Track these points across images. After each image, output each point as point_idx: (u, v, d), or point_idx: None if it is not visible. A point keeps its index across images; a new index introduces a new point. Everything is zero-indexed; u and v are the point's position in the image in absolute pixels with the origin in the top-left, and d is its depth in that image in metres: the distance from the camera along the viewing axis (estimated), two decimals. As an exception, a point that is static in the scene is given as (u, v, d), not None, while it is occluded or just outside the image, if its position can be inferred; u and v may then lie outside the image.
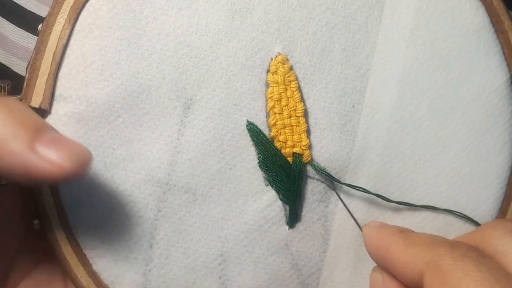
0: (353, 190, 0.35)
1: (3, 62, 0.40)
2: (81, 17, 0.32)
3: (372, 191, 0.35)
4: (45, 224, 0.33)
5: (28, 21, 0.41)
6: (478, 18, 0.35)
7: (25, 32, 0.41)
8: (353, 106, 0.35)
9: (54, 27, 0.32)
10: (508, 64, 0.36)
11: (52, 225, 0.33)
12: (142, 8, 0.33)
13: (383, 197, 0.35)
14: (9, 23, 0.40)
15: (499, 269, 0.26)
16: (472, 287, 0.25)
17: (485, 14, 0.36)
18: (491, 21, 0.36)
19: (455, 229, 0.36)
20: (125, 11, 0.33)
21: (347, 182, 0.35)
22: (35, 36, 0.37)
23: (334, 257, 0.36)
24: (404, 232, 0.32)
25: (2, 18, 0.40)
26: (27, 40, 0.42)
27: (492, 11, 0.36)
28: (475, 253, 0.28)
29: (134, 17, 0.33)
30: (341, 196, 0.35)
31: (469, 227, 0.36)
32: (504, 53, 0.36)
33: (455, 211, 0.36)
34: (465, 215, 0.36)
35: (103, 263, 0.34)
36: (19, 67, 0.42)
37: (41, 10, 0.42)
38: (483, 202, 0.36)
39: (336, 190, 0.35)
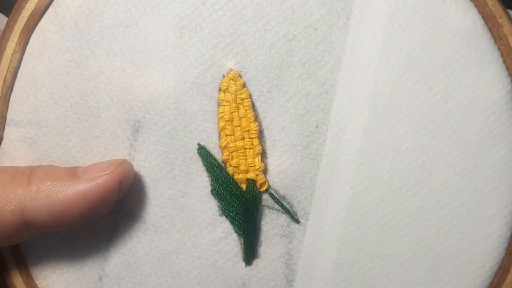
0: (320, 223, 0.31)
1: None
2: (31, 40, 0.32)
3: (345, 225, 0.31)
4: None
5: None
6: (467, 21, 0.30)
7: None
8: (317, 126, 0.31)
9: (5, 51, 0.32)
10: (510, 74, 0.30)
11: (3, 253, 0.32)
12: (90, 28, 0.31)
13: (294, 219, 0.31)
14: (7, 18, 0.40)
15: None
16: None
17: (477, 16, 0.30)
18: (486, 24, 0.30)
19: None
20: (73, 32, 0.32)
21: (312, 212, 0.31)
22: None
23: (301, 301, 0.31)
24: None
25: (1, 14, 0.40)
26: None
27: (486, 13, 0.30)
28: None
29: (81, 37, 0.32)
30: (307, 231, 0.31)
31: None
32: (504, 61, 0.30)
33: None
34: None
35: None
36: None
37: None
38: (482, 241, 0.30)
39: (300, 221, 0.31)
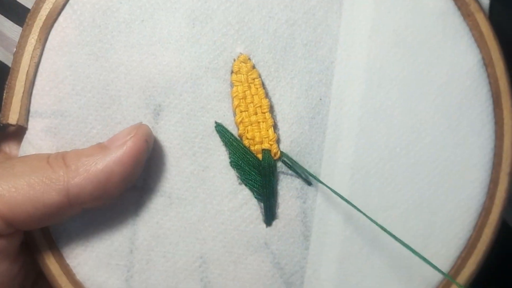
0: (329, 183, 0.35)
1: (1, 59, 0.41)
2: (50, 36, 0.34)
3: (350, 184, 0.35)
4: (27, 235, 0.34)
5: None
6: (441, 2, 0.35)
7: (23, 29, 0.42)
8: (321, 99, 0.35)
9: (26, 47, 0.34)
10: (478, 46, 0.35)
11: (35, 236, 0.34)
12: (107, 23, 0.34)
13: (358, 209, 0.34)
14: (7, 20, 0.41)
15: None
16: None
17: (448, -3, 0.35)
18: (456, 4, 0.35)
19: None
20: (91, 27, 0.34)
21: (322, 174, 0.35)
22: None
23: (317, 254, 0.35)
24: None
25: (0, 15, 0.41)
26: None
27: (455, -6, 0.35)
28: None
29: (100, 32, 0.34)
30: (319, 191, 0.35)
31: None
32: (473, 35, 0.35)
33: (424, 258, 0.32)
34: (427, 260, 0.32)
35: (86, 271, 0.34)
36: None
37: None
38: (467, 187, 0.35)
39: (312, 183, 0.35)
